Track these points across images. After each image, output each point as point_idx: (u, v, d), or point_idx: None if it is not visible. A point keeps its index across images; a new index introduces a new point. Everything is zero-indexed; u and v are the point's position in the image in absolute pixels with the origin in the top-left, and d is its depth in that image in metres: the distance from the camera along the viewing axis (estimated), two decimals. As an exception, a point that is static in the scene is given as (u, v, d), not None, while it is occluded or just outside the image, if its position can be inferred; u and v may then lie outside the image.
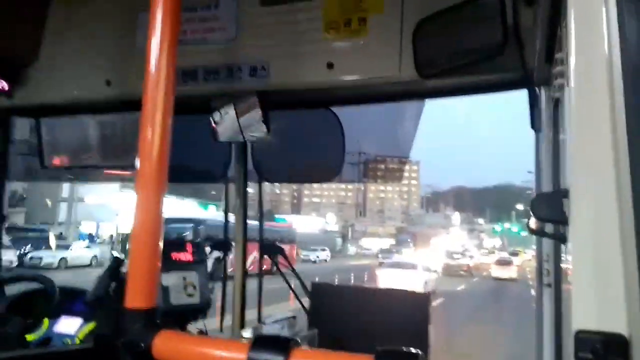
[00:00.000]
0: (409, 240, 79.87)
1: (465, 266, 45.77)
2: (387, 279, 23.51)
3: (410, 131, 2.71)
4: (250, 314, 2.82)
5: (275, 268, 2.87)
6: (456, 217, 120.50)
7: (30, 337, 2.33)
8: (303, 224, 67.29)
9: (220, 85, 2.19)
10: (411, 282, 22.34)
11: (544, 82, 1.83)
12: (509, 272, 39.81)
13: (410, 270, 24.86)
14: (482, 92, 2.13)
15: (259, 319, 2.70)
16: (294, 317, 2.39)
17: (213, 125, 2.30)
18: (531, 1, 1.66)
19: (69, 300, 2.49)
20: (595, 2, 0.79)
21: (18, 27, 2.46)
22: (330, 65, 2.02)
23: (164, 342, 0.97)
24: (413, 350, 0.80)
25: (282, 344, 0.87)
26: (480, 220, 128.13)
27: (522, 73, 1.85)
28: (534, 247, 2.09)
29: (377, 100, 2.38)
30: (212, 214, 35.69)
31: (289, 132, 2.76)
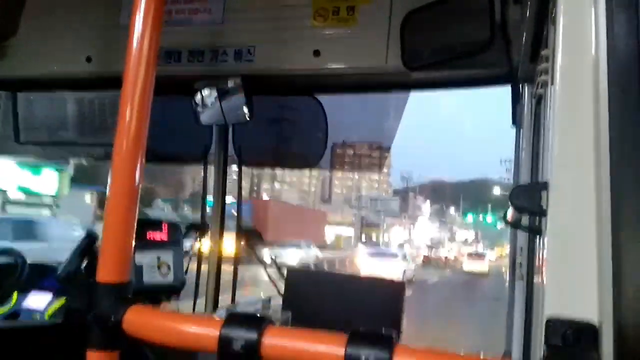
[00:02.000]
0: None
1: (444, 258, 47.44)
2: (368, 267, 24.98)
3: (393, 122, 2.72)
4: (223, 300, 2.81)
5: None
6: (426, 207, 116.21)
7: None
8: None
9: (205, 68, 2.16)
10: (391, 270, 23.57)
11: (528, 79, 1.86)
12: (481, 266, 40.41)
13: (390, 259, 26.63)
14: (467, 87, 2.15)
15: (233, 300, 2.71)
16: (268, 300, 2.40)
17: (195, 107, 2.28)
18: None
19: (40, 276, 2.46)
20: (584, 0, 0.80)
21: None
22: (316, 53, 2.02)
23: (135, 317, 0.96)
24: (387, 331, 0.81)
25: (255, 321, 0.87)
26: (453, 212, 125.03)
27: (507, 69, 1.88)
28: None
29: (362, 89, 2.38)
30: (48, 186, 22.14)
31: (272, 117, 2.75)
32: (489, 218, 76.90)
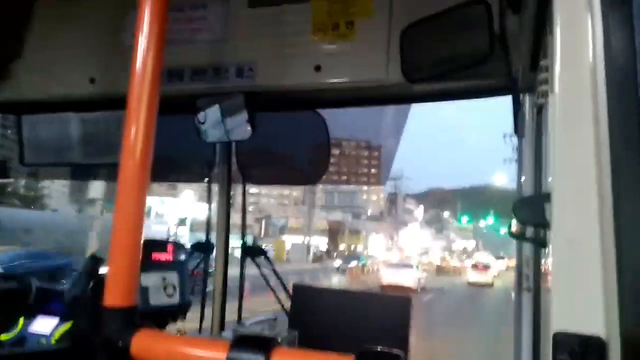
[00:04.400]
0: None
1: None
2: (389, 276, 29.08)
3: (395, 130, 2.72)
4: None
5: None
6: (419, 211, 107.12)
7: (4, 337, 2.28)
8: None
9: (207, 85, 2.18)
10: (408, 279, 28.08)
11: (529, 88, 1.86)
12: (485, 278, 39.67)
13: (407, 269, 30.34)
14: (468, 98, 2.15)
15: (239, 320, 2.69)
16: (274, 319, 2.38)
17: (198, 125, 2.29)
18: (517, 9, 1.69)
19: (46, 300, 2.45)
20: (581, 10, 0.80)
21: (1, 23, 2.42)
22: (317, 68, 2.03)
23: (142, 341, 0.96)
24: (394, 351, 0.80)
25: (262, 344, 0.86)
26: (449, 218, 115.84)
27: (507, 79, 1.88)
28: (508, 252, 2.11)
29: (364, 103, 2.39)
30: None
31: (274, 133, 2.76)
32: (490, 220, 70.28)
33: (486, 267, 42.34)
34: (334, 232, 64.10)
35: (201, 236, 2.94)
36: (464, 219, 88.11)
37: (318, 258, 54.07)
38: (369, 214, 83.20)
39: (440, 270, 56.45)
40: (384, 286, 27.81)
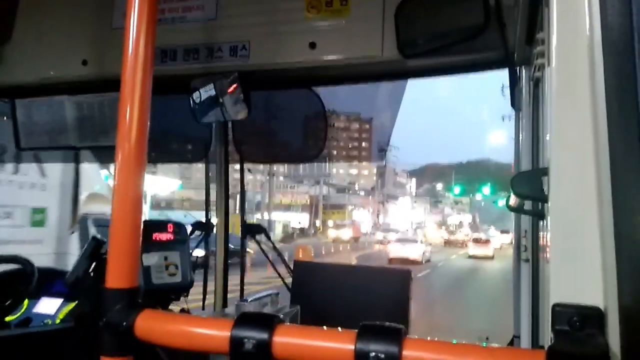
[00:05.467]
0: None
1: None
2: (396, 250, 31.44)
3: (392, 110, 2.71)
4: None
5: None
6: (412, 185, 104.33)
7: (9, 318, 2.31)
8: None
9: (201, 65, 2.16)
10: (413, 252, 30.93)
11: (525, 62, 1.85)
12: (486, 252, 40.59)
13: (412, 243, 33.05)
14: (464, 72, 2.14)
15: (241, 297, 2.72)
16: (276, 294, 2.41)
17: (194, 105, 2.28)
18: None
19: (49, 281, 2.47)
20: None
21: None
22: (312, 45, 2.01)
23: (146, 321, 0.97)
24: (396, 325, 0.82)
25: (265, 321, 0.88)
26: (445, 192, 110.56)
27: (504, 53, 1.87)
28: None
29: (360, 80, 2.38)
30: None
31: (270, 112, 2.75)
32: (486, 190, 66.34)
33: (487, 241, 43.74)
34: (314, 208, 60.03)
35: (169, 214, 2.95)
36: (457, 189, 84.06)
37: (289, 236, 48.71)
38: (357, 188, 78.35)
39: (448, 243, 58.98)
40: (391, 259, 29.98)
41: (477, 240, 45.11)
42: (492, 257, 39.00)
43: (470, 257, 39.60)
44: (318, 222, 59.78)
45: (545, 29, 1.08)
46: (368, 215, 72.50)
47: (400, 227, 65.11)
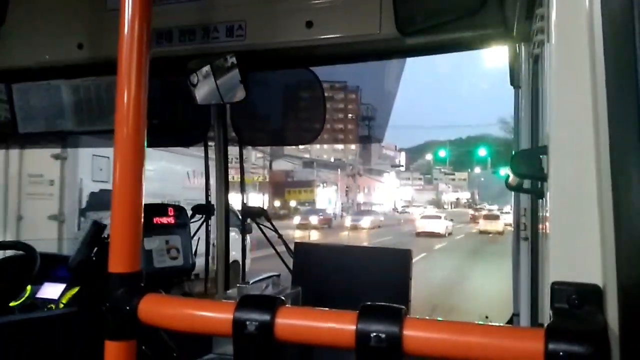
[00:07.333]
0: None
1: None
2: (422, 225, 36.55)
3: (392, 87, 2.68)
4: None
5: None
6: (401, 158, 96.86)
7: (13, 304, 2.33)
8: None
9: (197, 46, 2.14)
10: (437, 227, 35.69)
11: (524, 38, 1.83)
12: (496, 227, 40.84)
13: (436, 220, 38.00)
14: (463, 49, 2.12)
15: (243, 279, 2.74)
16: (277, 276, 2.43)
17: (191, 87, 2.26)
18: None
19: (51, 267, 2.49)
20: None
21: None
22: (309, 24, 1.98)
23: (149, 305, 0.98)
24: (396, 305, 0.82)
25: (268, 303, 0.88)
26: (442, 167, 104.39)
27: (503, 29, 1.85)
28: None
29: (358, 58, 2.35)
30: None
31: (268, 93, 2.73)
32: (482, 151, 60.90)
33: (496, 217, 44.42)
34: (277, 187, 48.79)
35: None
36: (441, 152, 77.09)
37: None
38: (332, 162, 66.08)
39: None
40: (418, 232, 35.37)
41: (487, 217, 45.67)
42: (502, 233, 39.31)
43: (482, 232, 40.09)
44: (277, 203, 48.70)
45: (545, 4, 1.07)
46: (342, 194, 59.38)
47: (380, 208, 58.96)
